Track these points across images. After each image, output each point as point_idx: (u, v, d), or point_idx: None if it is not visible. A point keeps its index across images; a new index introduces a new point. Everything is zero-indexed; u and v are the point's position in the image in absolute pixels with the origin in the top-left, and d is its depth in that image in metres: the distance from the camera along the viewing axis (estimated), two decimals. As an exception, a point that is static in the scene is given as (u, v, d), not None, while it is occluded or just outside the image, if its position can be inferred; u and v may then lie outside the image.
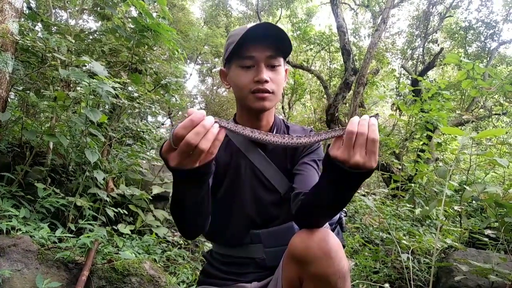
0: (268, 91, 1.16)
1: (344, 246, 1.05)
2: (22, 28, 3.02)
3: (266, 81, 1.15)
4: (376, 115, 0.89)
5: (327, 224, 1.24)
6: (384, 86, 12.55)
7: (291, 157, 1.28)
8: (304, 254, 0.97)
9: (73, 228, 2.56)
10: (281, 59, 1.21)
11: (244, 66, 1.16)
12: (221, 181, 1.26)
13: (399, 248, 2.46)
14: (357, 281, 2.48)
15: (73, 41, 3.10)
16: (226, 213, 1.26)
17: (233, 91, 1.26)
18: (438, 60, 8.56)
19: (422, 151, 3.85)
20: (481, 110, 9.26)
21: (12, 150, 2.99)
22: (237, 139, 1.29)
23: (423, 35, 10.35)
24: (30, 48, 2.94)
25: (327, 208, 1.00)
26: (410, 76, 9.94)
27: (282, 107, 14.07)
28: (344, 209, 1.49)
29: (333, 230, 1.34)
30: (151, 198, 3.41)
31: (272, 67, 1.18)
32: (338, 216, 1.38)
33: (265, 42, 1.15)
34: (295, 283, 1.04)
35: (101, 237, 2.41)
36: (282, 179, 1.26)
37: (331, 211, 1.02)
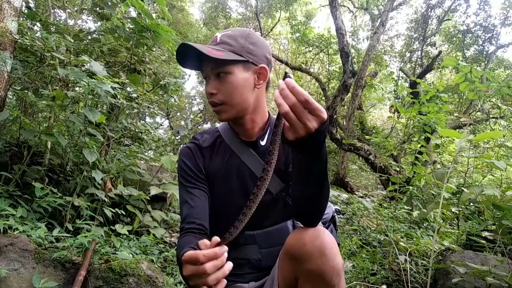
0: (216, 104, 1.18)
1: (338, 245, 1.05)
2: (21, 27, 3.02)
3: (212, 93, 1.17)
4: (286, 74, 0.85)
5: (320, 223, 1.25)
6: (382, 88, 12.59)
7: (285, 158, 1.26)
8: (299, 251, 0.98)
9: (70, 228, 2.55)
10: (231, 67, 1.15)
11: (204, 78, 1.22)
12: (213, 182, 1.26)
13: (396, 250, 2.47)
14: (355, 282, 2.48)
15: (72, 40, 3.09)
16: (220, 214, 1.25)
17: None
18: (436, 63, 8.59)
19: (420, 153, 3.86)
20: (479, 113, 9.30)
21: (10, 150, 2.98)
22: (230, 139, 1.29)
23: (422, 38, 10.40)
24: (28, 47, 2.93)
25: (311, 185, 0.98)
26: (408, 79, 9.97)
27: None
28: (338, 208, 1.50)
29: (326, 228, 1.34)
30: (148, 198, 3.40)
31: (218, 76, 1.16)
32: (331, 215, 1.38)
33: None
34: (290, 281, 1.04)
35: (99, 237, 2.40)
36: (274, 179, 1.24)
37: (315, 187, 0.99)
